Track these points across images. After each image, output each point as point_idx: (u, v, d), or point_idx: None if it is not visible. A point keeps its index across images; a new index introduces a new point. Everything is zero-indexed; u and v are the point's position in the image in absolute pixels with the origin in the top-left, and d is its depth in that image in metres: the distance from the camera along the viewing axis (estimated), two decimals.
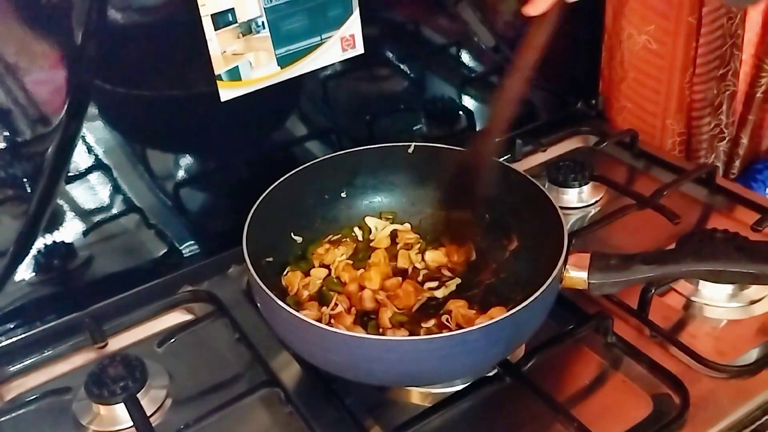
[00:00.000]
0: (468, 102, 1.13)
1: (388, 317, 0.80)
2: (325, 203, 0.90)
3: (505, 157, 1.10)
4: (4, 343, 0.85)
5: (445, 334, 0.67)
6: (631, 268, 0.72)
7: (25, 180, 0.80)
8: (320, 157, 0.89)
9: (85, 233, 0.87)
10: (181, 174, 0.92)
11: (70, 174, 0.83)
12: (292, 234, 0.87)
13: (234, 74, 0.86)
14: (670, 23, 1.06)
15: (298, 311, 0.70)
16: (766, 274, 0.70)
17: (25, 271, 0.85)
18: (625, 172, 1.11)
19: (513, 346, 0.74)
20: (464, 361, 0.68)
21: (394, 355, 0.67)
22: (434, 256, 0.89)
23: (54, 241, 0.85)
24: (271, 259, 0.82)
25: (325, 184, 0.90)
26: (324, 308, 0.81)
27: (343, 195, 0.91)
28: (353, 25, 0.92)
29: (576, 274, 0.72)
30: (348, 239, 0.90)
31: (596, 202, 1.04)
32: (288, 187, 0.84)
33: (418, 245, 0.90)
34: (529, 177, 0.84)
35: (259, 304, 0.76)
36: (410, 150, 0.90)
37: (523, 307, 0.67)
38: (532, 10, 0.74)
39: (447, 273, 0.87)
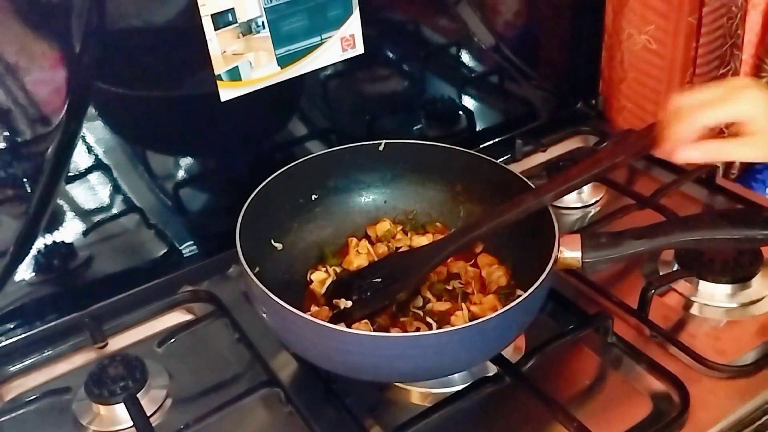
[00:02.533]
0: (468, 102, 1.13)
1: (427, 288, 0.83)
2: (300, 207, 0.90)
3: (505, 157, 1.10)
4: (4, 343, 0.85)
5: (465, 324, 0.68)
6: (622, 244, 0.73)
7: (25, 180, 0.80)
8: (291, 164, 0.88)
9: (85, 233, 0.87)
10: (181, 174, 0.92)
11: (70, 174, 0.83)
12: (272, 241, 0.87)
13: (234, 74, 0.86)
14: (670, 23, 1.06)
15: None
16: (748, 237, 0.72)
17: (25, 271, 0.85)
18: (625, 172, 1.10)
19: (521, 329, 0.75)
20: (482, 348, 0.70)
21: (416, 351, 0.67)
22: (421, 240, 0.90)
23: (54, 241, 0.85)
24: (258, 269, 0.79)
25: (298, 188, 0.89)
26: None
27: (314, 198, 0.90)
28: (353, 25, 0.92)
29: (570, 254, 0.73)
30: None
31: (596, 202, 1.04)
32: (265, 195, 0.83)
33: (401, 227, 0.92)
34: (501, 164, 0.86)
35: (265, 314, 0.74)
36: (381, 148, 0.90)
37: (531, 292, 0.68)
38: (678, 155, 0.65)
39: None
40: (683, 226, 0.74)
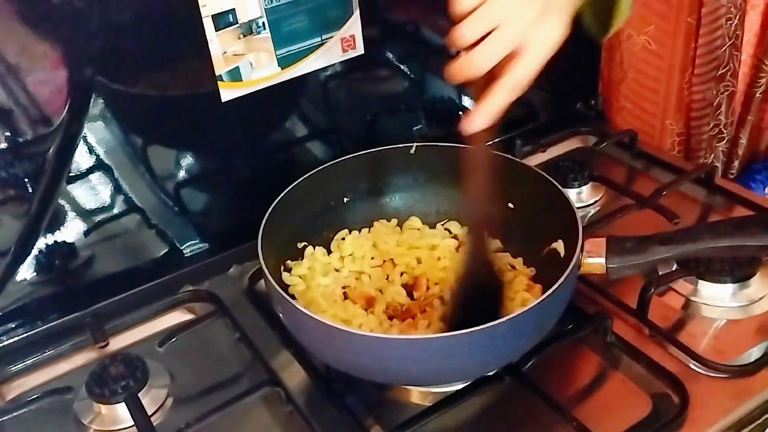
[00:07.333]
0: (468, 102, 1.13)
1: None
2: (331, 210, 0.90)
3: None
4: (5, 343, 0.85)
5: (476, 328, 0.65)
6: (648, 250, 0.71)
7: (26, 180, 0.81)
8: (323, 165, 0.88)
9: (86, 233, 0.87)
10: (182, 174, 0.92)
11: (71, 174, 0.83)
12: (297, 244, 0.87)
13: (235, 75, 0.86)
14: (670, 24, 1.06)
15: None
16: None
17: (26, 271, 0.85)
18: (624, 172, 1.11)
19: (537, 335, 0.73)
20: (494, 353, 0.69)
21: (425, 354, 0.66)
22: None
23: (55, 241, 0.85)
24: (281, 272, 0.82)
25: (329, 190, 0.89)
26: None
27: (346, 200, 0.90)
28: (353, 26, 0.92)
29: (593, 260, 0.72)
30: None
31: (596, 202, 1.04)
32: (293, 196, 0.83)
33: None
34: (536, 169, 0.86)
35: (281, 314, 0.75)
36: (412, 151, 0.90)
37: (546, 297, 0.67)
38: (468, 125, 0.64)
39: None
40: (713, 232, 0.72)
